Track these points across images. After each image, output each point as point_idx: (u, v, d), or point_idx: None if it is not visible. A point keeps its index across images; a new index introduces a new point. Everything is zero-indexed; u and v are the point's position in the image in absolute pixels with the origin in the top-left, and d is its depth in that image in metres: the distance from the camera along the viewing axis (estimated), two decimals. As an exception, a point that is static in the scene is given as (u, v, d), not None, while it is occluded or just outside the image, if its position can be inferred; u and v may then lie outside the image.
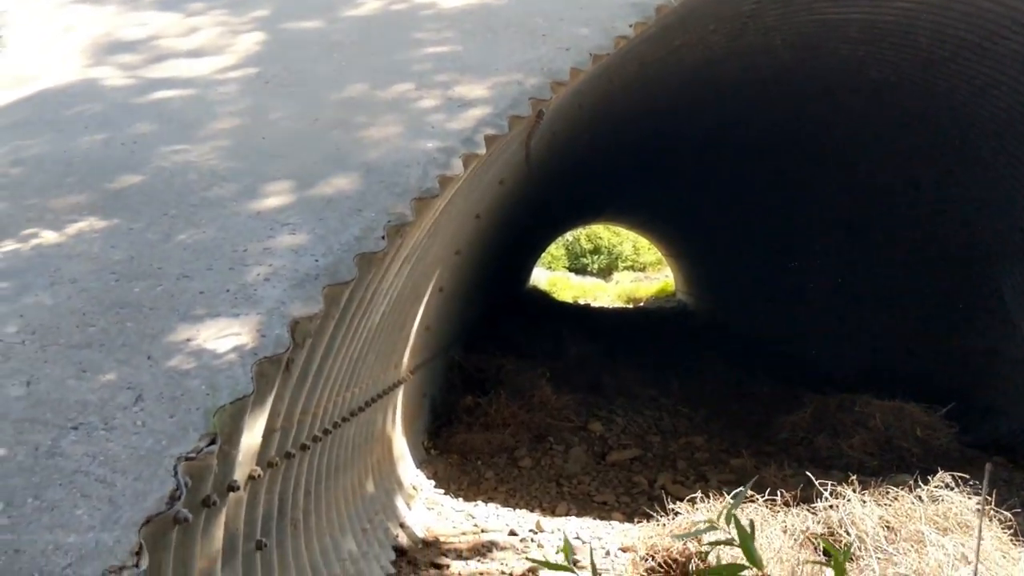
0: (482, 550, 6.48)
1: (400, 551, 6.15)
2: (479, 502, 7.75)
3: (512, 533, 6.89)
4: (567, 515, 7.60)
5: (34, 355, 3.47)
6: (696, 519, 5.23)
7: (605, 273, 42.95)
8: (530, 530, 7.02)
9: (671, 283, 32.07)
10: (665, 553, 5.16)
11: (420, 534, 6.67)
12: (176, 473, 3.03)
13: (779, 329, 17.23)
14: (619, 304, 30.97)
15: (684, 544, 5.06)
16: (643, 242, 40.48)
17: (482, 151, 5.10)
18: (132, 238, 4.14)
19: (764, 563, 4.02)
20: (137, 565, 2.75)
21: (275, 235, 4.20)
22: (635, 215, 27.78)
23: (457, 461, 8.66)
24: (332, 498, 5.19)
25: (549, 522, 7.24)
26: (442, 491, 7.84)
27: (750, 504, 5.27)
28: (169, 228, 4.21)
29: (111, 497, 2.93)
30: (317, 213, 4.38)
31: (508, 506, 7.72)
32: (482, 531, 7.03)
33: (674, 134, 14.93)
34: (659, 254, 36.85)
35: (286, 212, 4.37)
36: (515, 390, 9.82)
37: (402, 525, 6.54)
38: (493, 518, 7.36)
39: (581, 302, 29.70)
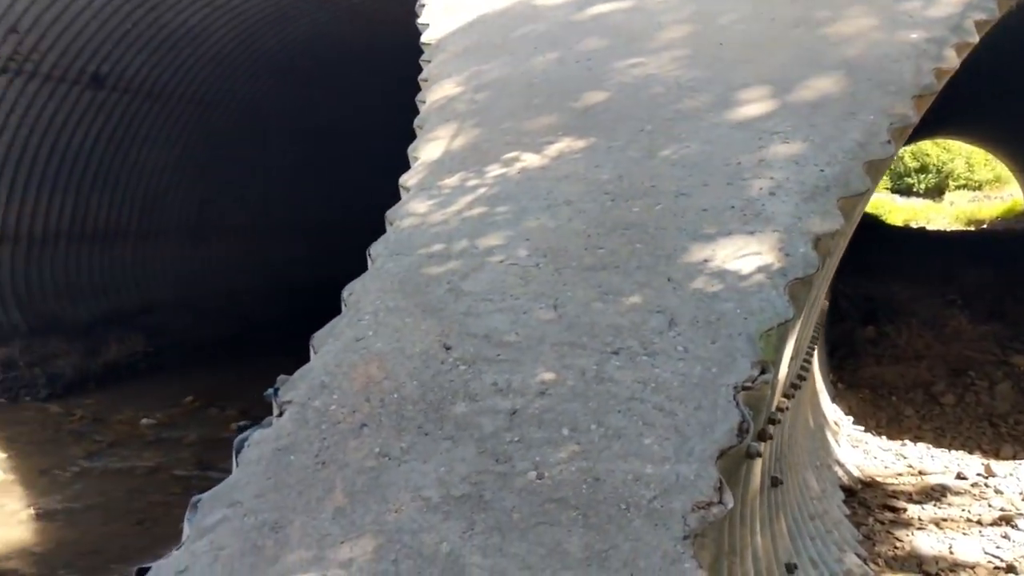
0: (933, 494, 5.85)
1: (845, 490, 5.69)
2: (906, 441, 7.07)
3: (960, 476, 6.18)
4: (1014, 458, 6.73)
5: (551, 278, 3.36)
6: None
7: (934, 193, 38.64)
8: (978, 474, 6.27)
9: (1021, 202, 28.30)
10: None
11: (855, 473, 6.16)
12: (737, 404, 2.76)
13: None
14: (958, 226, 27.82)
15: None
16: (978, 157, 35.99)
17: (974, 39, 4.37)
18: (614, 157, 3.93)
19: None
20: (722, 501, 2.52)
21: (766, 145, 3.81)
22: (979, 128, 24.67)
23: (869, 396, 7.99)
24: (796, 433, 4.82)
25: (999, 466, 6.43)
26: (861, 428, 7.25)
27: None
28: (649, 144, 3.96)
29: (675, 426, 2.73)
30: (805, 119, 3.93)
31: (940, 447, 6.97)
32: (921, 473, 6.38)
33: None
34: (998, 171, 32.61)
35: (771, 120, 3.96)
36: (921, 320, 8.90)
37: (838, 463, 6.07)
38: (928, 459, 6.67)
39: (913, 225, 27.04)
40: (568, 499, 2.58)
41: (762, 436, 2.95)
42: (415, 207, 3.92)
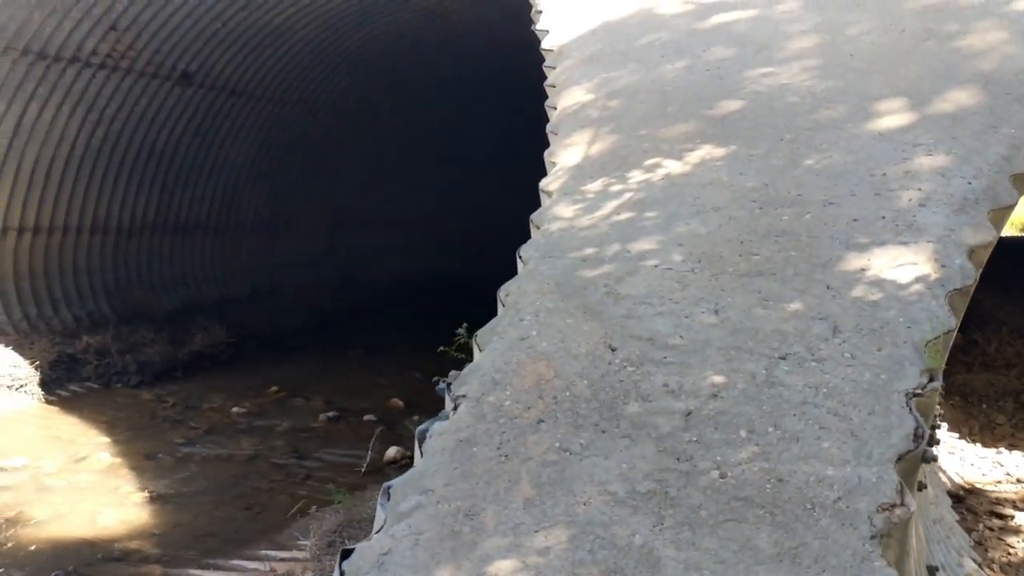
0: (1038, 503, 5.87)
1: (951, 496, 5.74)
2: (1001, 449, 7.07)
3: (1063, 486, 6.19)
4: (1114, 469, 6.71)
5: (708, 283, 3.48)
6: None
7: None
8: (1079, 484, 6.27)
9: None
10: None
11: (956, 480, 6.19)
12: (911, 410, 2.86)
13: None
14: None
15: None
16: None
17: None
18: (756, 165, 4.04)
19: None
20: (904, 503, 2.62)
21: (910, 157, 3.89)
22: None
23: (959, 403, 7.99)
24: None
25: (1098, 476, 6.42)
26: (956, 435, 7.26)
27: None
28: (791, 153, 4.06)
29: (851, 431, 2.84)
30: (946, 131, 4.01)
31: (1037, 455, 6.97)
32: (1019, 481, 6.39)
33: None
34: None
35: (911, 132, 4.04)
36: (1011, 328, 8.87)
37: (940, 469, 6.11)
38: (1027, 468, 6.68)
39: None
40: (753, 498, 2.70)
41: (931, 441, 3.04)
42: (560, 211, 4.06)
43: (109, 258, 12.49)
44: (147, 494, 7.00)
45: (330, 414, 9.53)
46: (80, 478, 7.42)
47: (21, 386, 9.78)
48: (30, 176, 10.93)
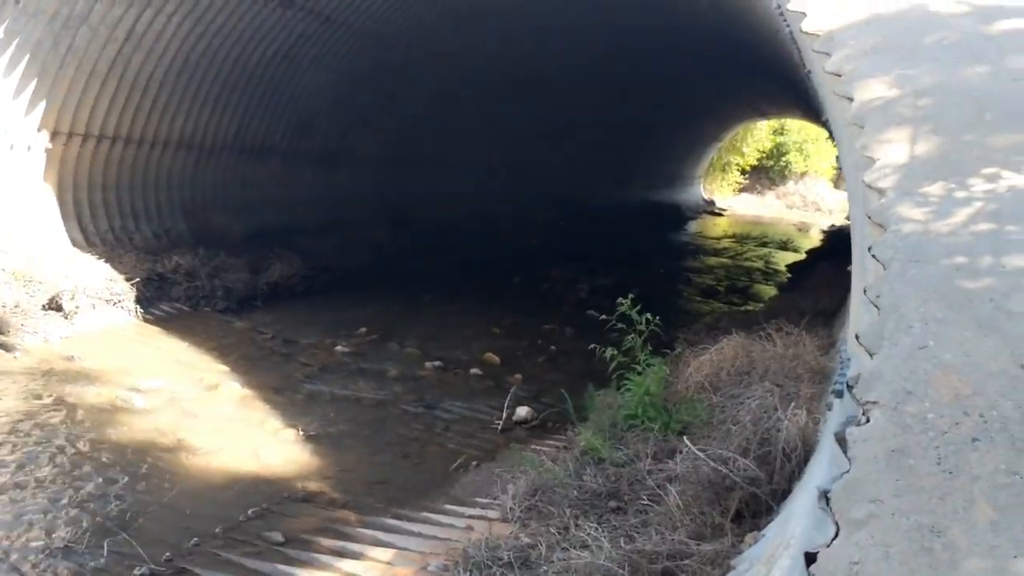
0: None
1: None
2: None
3: None
4: None
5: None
6: None
7: None
8: None
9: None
10: None
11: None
12: None
13: None
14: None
15: None
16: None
17: None
18: (1108, 188, 3.98)
19: None
20: None
21: None
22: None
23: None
24: None
25: None
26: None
27: None
28: None
29: None
30: None
31: None
32: None
33: None
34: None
35: None
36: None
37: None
38: None
39: None
40: None
41: None
42: (906, 212, 3.98)
43: (189, 176, 12.18)
44: (299, 433, 6.88)
45: (436, 363, 9.43)
46: (220, 408, 7.27)
47: (118, 301, 9.54)
48: (131, 85, 10.57)
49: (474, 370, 9.36)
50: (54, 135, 9.99)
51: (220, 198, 12.72)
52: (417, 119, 16.83)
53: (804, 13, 5.58)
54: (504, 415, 7.60)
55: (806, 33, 5.43)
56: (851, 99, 4.76)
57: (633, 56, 18.20)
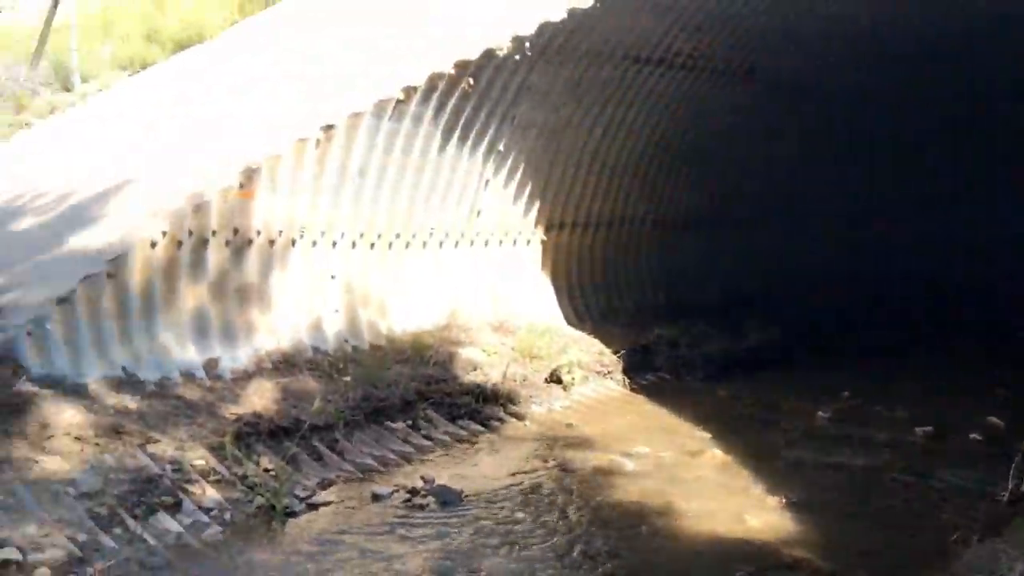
0: None
1: None
2: None
3: None
4: None
5: None
6: None
7: None
8: None
9: None
10: None
11: None
12: None
13: None
14: None
15: None
16: None
17: None
18: None
19: None
20: None
21: None
22: None
23: None
24: None
25: None
26: None
27: None
28: None
29: None
30: None
31: None
32: None
33: None
34: None
35: None
36: None
37: None
38: None
39: None
40: None
41: None
42: None
43: (664, 250, 12.96)
44: (780, 499, 6.89)
45: (927, 428, 8.83)
46: (703, 474, 7.57)
47: (607, 372, 10.42)
48: (607, 175, 11.65)
49: (973, 435, 8.60)
50: (548, 228, 11.34)
51: (692, 269, 13.30)
52: (869, 175, 16.09)
53: None
54: (1011, 485, 6.89)
55: None
56: None
57: None
